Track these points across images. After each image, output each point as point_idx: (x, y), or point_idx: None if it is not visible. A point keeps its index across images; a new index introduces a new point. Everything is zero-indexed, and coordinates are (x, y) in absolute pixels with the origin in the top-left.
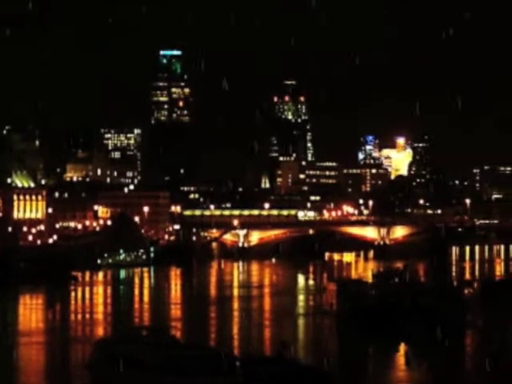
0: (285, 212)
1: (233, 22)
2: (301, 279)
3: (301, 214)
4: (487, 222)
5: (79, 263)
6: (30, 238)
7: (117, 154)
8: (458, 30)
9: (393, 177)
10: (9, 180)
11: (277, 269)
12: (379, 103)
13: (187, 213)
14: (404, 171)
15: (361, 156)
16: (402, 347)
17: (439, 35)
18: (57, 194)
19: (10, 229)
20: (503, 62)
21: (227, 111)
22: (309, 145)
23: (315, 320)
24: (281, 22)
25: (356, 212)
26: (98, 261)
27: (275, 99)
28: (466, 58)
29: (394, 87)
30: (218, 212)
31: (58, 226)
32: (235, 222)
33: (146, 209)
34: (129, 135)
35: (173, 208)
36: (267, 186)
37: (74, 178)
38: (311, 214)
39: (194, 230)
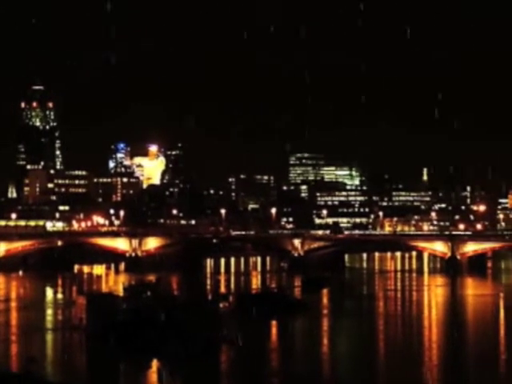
0: (32, 223)
1: None
2: (49, 292)
3: (49, 225)
4: (243, 233)
5: None
6: None
7: None
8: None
9: (145, 186)
10: None
11: (24, 282)
12: (131, 109)
13: None
14: (157, 180)
15: (111, 164)
16: (155, 363)
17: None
18: None
19: None
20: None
21: None
22: (57, 152)
23: (64, 335)
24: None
25: (107, 222)
26: None
27: (22, 105)
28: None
29: (149, 93)
30: None
31: None
32: None
33: None
34: None
35: None
36: (14, 195)
37: None
38: (60, 225)
39: None
